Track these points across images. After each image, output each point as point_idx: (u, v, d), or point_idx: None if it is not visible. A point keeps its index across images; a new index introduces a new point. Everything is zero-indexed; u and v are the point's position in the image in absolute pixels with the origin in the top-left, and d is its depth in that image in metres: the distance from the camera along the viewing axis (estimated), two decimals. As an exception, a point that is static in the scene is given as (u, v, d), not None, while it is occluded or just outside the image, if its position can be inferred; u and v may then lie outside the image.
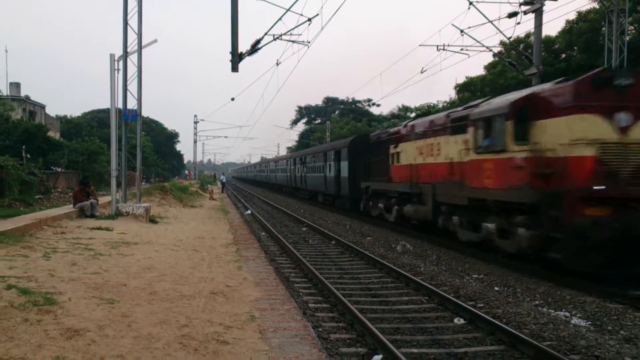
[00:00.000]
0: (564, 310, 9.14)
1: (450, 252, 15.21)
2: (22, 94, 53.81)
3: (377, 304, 9.63)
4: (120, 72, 19.55)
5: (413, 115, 50.99)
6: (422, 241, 17.38)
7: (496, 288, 10.84)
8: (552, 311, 9.09)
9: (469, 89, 39.12)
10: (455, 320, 8.53)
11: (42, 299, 7.10)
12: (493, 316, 8.53)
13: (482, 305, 9.46)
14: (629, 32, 26.33)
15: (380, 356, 6.71)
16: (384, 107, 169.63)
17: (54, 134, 49.27)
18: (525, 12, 20.00)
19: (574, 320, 8.54)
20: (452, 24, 21.42)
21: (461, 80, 41.45)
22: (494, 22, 20.57)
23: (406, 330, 8.10)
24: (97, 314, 6.82)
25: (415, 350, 7.13)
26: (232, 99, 39.09)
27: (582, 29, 31.68)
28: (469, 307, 8.81)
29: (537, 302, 9.69)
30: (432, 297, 9.97)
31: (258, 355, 5.75)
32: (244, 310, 7.61)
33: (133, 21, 19.15)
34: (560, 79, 12.03)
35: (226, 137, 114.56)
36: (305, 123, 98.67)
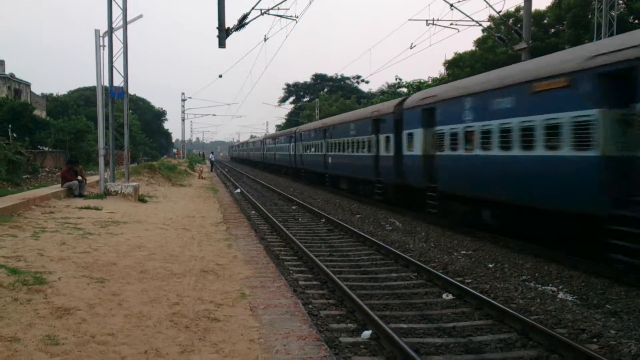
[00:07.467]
0: (550, 285, 9.28)
1: (438, 229, 15.31)
2: (7, 71, 52.83)
3: (367, 281, 9.72)
4: (106, 49, 19.29)
5: (405, 91, 50.81)
6: (412, 218, 17.48)
7: (484, 264, 10.96)
8: (539, 286, 9.22)
9: (458, 65, 39.04)
10: (444, 296, 8.64)
11: (31, 279, 7.09)
12: (481, 291, 8.64)
13: (470, 280, 9.58)
14: (619, 6, 26.31)
15: (370, 332, 6.78)
16: (373, 84, 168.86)
17: (40, 113, 48.65)
18: (515, -15, 19.87)
19: (561, 295, 8.68)
20: (442, -2, 21.24)
21: (450, 56, 41.34)
22: (483, -3, 20.40)
23: (395, 306, 8.19)
24: (87, 293, 6.82)
25: (404, 326, 7.22)
26: (220, 76, 38.79)
27: (571, 3, 31.62)
28: (457, 283, 8.92)
29: (524, 278, 9.82)
30: (421, 273, 10.07)
31: (249, 332, 5.79)
32: (234, 287, 7.64)
33: (118, -4, 18.84)
34: None
35: (214, 115, 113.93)
36: (294, 101, 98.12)
